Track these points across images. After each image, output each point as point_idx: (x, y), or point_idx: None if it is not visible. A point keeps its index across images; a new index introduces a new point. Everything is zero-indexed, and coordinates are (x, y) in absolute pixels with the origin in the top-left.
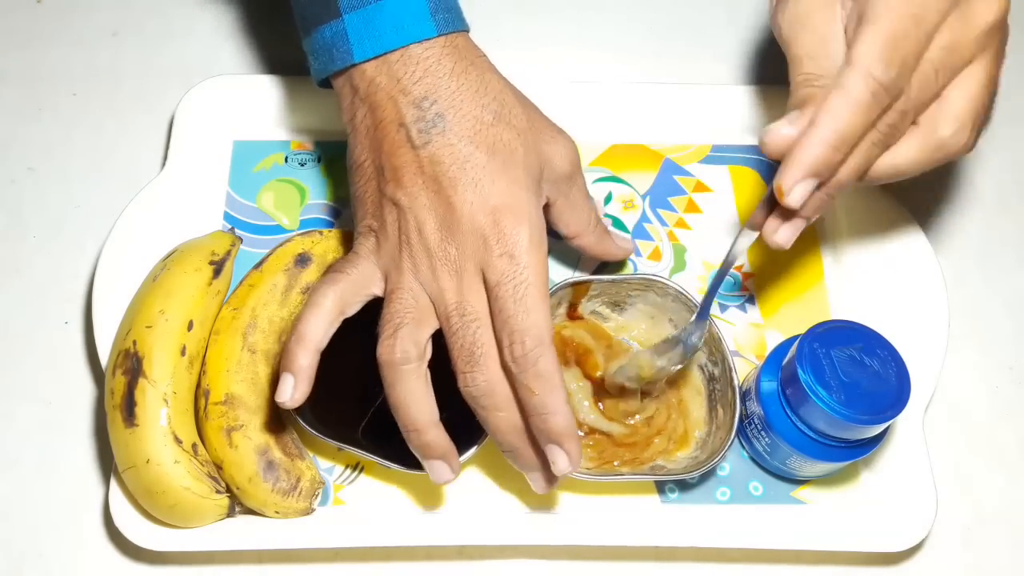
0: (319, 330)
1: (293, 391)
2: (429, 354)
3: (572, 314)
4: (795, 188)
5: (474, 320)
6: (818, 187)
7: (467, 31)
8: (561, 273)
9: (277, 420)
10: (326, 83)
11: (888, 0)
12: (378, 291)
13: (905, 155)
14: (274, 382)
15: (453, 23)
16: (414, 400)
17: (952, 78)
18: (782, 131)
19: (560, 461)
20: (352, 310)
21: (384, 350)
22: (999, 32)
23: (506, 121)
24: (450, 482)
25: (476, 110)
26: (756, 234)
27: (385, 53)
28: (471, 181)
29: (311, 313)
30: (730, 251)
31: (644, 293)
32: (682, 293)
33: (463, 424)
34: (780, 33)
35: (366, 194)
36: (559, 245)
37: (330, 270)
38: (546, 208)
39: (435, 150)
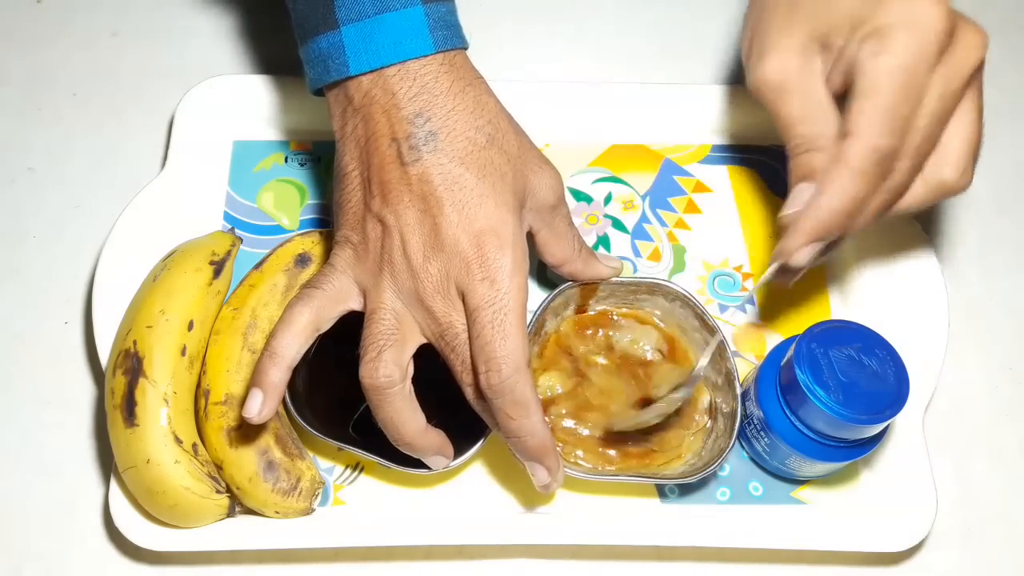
0: (292, 347)
1: (261, 407)
2: (411, 372)
3: (581, 313)
4: (801, 251)
5: (466, 339)
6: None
7: (466, 49)
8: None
9: (277, 420)
10: (320, 92)
11: (881, 67)
12: (355, 305)
13: (912, 199)
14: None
15: (452, 40)
16: (402, 419)
17: (947, 122)
18: (794, 208)
19: (540, 475)
20: (327, 325)
21: (367, 373)
22: (982, 66)
23: (498, 145)
24: (448, 468)
25: (470, 131)
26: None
27: (382, 67)
28: (458, 202)
29: (285, 330)
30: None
31: (652, 297)
32: (689, 298)
33: (464, 421)
34: (762, 96)
35: (349, 204)
36: None
37: (306, 285)
38: (530, 237)
39: (425, 168)
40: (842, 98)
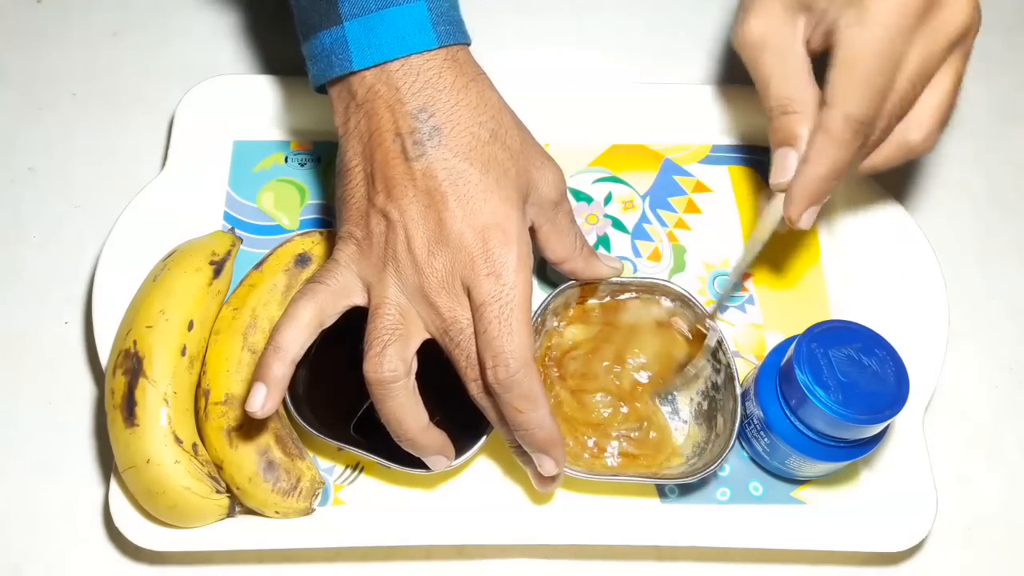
0: (296, 342)
1: (265, 400)
2: (415, 367)
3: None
4: (803, 217)
5: (471, 334)
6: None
7: (468, 44)
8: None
9: (277, 420)
10: (322, 89)
11: (858, 39)
12: (359, 301)
13: (878, 158)
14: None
15: (454, 35)
16: (404, 414)
17: (926, 85)
18: (785, 177)
19: (548, 466)
20: (331, 320)
21: (372, 368)
22: (970, 33)
23: (501, 141)
24: (449, 468)
25: (473, 127)
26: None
27: (385, 62)
28: (463, 197)
29: (289, 325)
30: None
31: (650, 295)
32: (690, 298)
33: (465, 419)
34: (743, 54)
35: (352, 199)
36: None
37: (310, 280)
38: (532, 233)
39: (429, 163)
40: (823, 57)
